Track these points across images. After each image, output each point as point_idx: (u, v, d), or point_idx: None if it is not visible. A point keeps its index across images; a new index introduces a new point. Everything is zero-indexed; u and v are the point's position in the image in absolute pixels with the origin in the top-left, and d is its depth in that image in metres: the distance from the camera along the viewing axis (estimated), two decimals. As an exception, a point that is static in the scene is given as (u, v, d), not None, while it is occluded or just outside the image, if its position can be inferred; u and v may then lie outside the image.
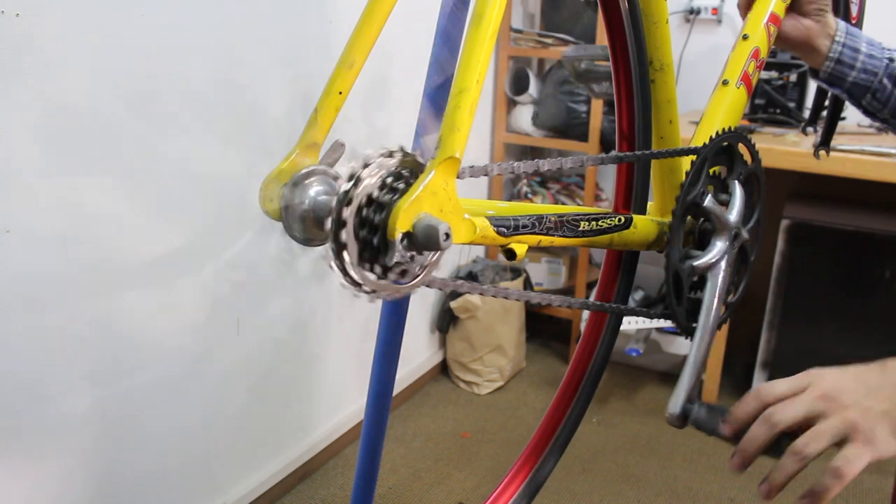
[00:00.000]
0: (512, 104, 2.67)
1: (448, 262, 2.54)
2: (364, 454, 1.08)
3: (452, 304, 2.44)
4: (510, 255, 0.68)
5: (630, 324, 2.38)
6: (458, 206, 0.58)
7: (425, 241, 0.54)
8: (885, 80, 0.91)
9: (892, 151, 1.94)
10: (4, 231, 1.17)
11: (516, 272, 2.56)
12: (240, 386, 1.73)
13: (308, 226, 0.62)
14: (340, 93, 0.67)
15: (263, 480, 1.85)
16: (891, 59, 0.91)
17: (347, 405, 2.13)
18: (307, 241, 0.63)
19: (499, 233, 0.64)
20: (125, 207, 1.37)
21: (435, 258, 0.59)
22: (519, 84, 2.61)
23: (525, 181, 2.78)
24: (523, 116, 2.62)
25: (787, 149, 2.04)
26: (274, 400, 1.86)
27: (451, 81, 0.62)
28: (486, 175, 0.64)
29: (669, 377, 2.61)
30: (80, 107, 1.25)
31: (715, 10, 2.53)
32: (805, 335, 2.31)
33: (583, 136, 2.49)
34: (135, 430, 1.49)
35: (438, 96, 0.85)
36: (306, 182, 0.63)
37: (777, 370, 2.37)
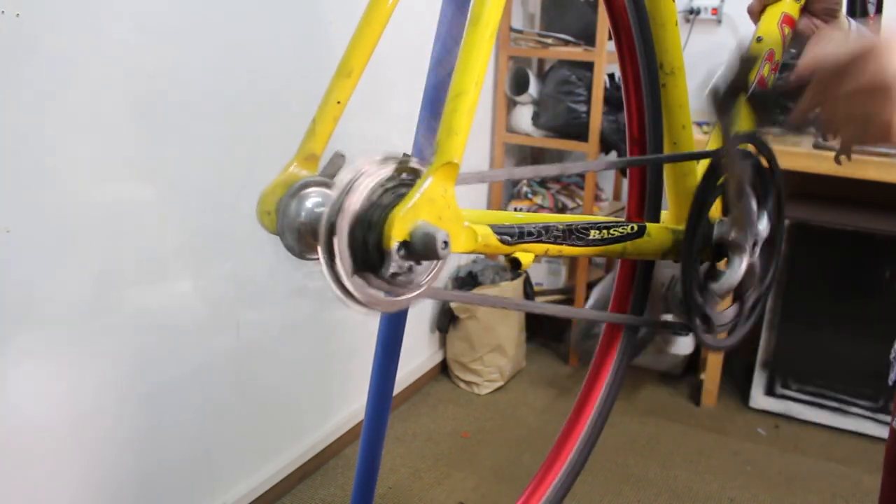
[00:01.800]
0: (512, 104, 2.67)
1: (448, 263, 2.54)
2: (364, 454, 1.08)
3: (452, 304, 2.44)
4: (515, 264, 0.67)
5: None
6: (457, 213, 0.57)
7: (423, 249, 0.53)
8: None
9: (892, 151, 1.94)
10: (5, 231, 1.17)
11: (516, 273, 2.56)
12: (240, 386, 1.73)
13: (304, 238, 0.60)
14: (339, 102, 0.66)
15: (263, 480, 1.84)
16: None
17: (347, 405, 2.13)
18: (304, 255, 0.61)
19: (502, 241, 0.63)
20: (124, 209, 1.37)
21: (435, 269, 0.57)
22: (519, 84, 2.60)
23: (525, 181, 2.78)
24: (523, 116, 2.62)
25: (787, 149, 2.04)
26: (274, 400, 1.86)
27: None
28: (488, 181, 0.63)
29: (669, 377, 2.61)
30: (81, 107, 1.25)
31: (715, 10, 2.53)
32: (805, 335, 2.31)
33: (583, 136, 2.49)
34: (135, 431, 1.49)
35: (438, 101, 0.84)
36: (302, 194, 0.61)
37: (777, 370, 2.37)
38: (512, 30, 2.57)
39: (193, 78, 1.44)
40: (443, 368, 2.60)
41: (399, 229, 0.52)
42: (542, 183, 2.75)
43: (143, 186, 1.39)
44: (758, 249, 0.85)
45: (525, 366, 2.65)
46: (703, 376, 2.45)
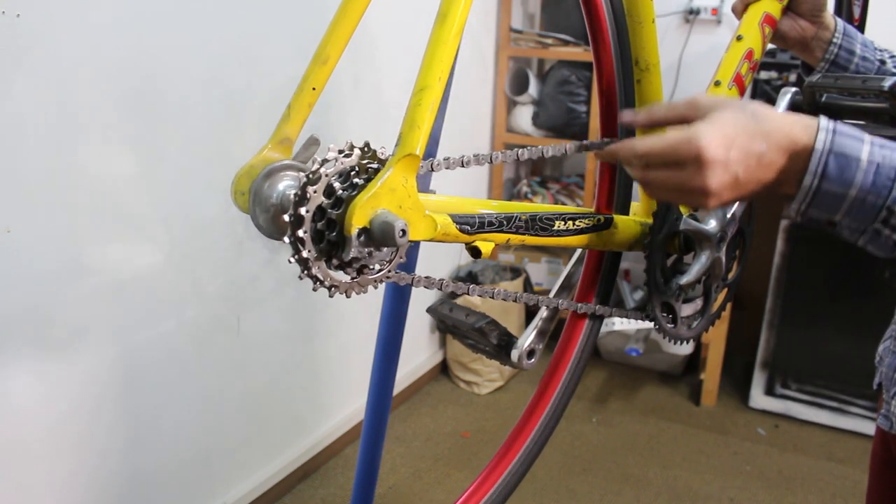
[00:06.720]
0: (512, 104, 2.67)
1: (448, 262, 2.54)
2: (364, 454, 1.08)
3: (452, 304, 2.43)
4: (475, 252, 0.69)
5: (630, 324, 2.38)
6: (417, 202, 0.59)
7: (381, 237, 0.55)
8: None
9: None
10: (5, 231, 1.17)
11: (516, 272, 2.56)
12: (240, 386, 1.73)
13: (275, 219, 0.63)
14: (314, 88, 0.68)
15: (263, 480, 1.85)
16: (882, 62, 0.91)
17: (347, 405, 2.13)
18: (274, 235, 0.63)
19: (462, 230, 0.64)
20: (124, 207, 1.37)
21: (396, 255, 0.60)
22: (519, 84, 2.61)
23: (525, 181, 2.79)
24: (523, 116, 2.62)
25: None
26: (274, 400, 1.86)
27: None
28: (461, 166, 0.64)
29: (669, 377, 2.61)
30: (80, 106, 1.25)
31: (715, 11, 2.53)
32: (804, 335, 2.31)
33: (582, 136, 2.49)
34: (134, 431, 1.49)
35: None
36: (274, 177, 0.64)
37: (777, 370, 2.37)
38: (512, 30, 2.57)
39: (193, 77, 1.44)
40: (443, 368, 2.60)
41: (359, 217, 0.54)
42: (542, 183, 2.75)
43: (143, 186, 1.39)
44: (724, 244, 0.87)
45: (525, 366, 2.65)
46: (702, 376, 2.45)
